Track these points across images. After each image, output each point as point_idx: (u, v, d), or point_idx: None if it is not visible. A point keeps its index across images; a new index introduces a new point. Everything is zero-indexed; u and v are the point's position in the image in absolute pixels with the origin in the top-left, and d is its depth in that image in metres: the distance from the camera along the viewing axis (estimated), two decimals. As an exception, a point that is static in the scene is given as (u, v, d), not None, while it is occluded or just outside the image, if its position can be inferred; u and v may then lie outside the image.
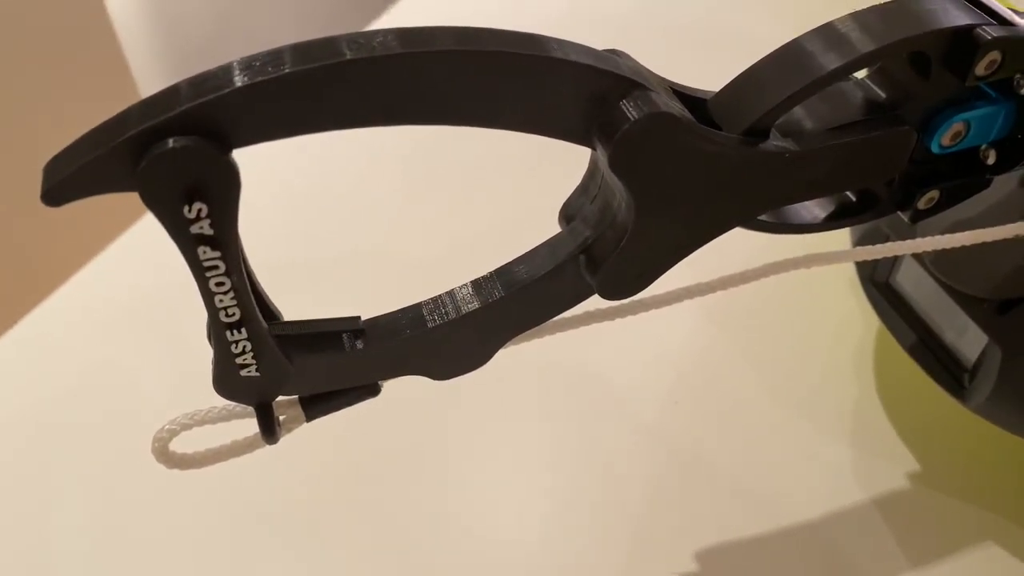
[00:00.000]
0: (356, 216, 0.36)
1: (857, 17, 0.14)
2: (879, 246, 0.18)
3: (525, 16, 0.50)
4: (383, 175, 0.38)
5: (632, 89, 0.13)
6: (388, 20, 0.50)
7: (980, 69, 0.14)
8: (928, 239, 0.18)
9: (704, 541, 0.25)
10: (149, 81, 0.43)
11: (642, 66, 0.14)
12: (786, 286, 0.28)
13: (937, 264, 0.21)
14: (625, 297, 0.16)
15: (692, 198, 0.14)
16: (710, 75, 0.17)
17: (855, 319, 0.30)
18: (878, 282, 0.23)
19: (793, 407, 0.27)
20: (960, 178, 0.16)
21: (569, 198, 0.16)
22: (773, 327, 0.30)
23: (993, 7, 0.15)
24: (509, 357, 0.17)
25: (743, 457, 0.27)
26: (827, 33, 0.14)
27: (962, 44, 0.14)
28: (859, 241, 0.23)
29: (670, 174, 0.14)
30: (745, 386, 0.29)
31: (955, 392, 0.21)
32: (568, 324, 0.17)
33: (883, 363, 0.28)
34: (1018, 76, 0.15)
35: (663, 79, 0.15)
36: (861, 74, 0.16)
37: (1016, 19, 0.15)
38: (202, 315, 0.13)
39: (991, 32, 0.14)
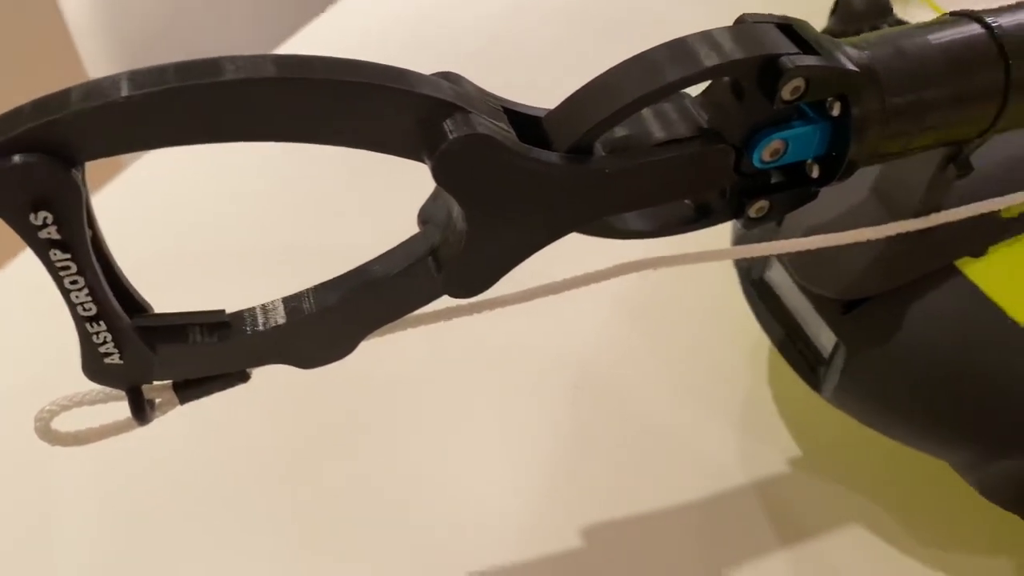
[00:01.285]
0: (293, 208, 0.38)
1: (674, 45, 0.16)
2: (717, 250, 0.19)
3: (474, 7, 0.51)
4: (321, 168, 0.39)
5: (453, 112, 0.14)
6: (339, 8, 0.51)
7: (786, 94, 0.16)
8: (768, 244, 0.20)
9: (590, 519, 0.26)
10: (97, 64, 0.44)
11: (472, 88, 0.15)
12: (695, 281, 0.30)
13: (794, 264, 0.22)
14: (470, 296, 0.17)
15: (521, 209, 0.16)
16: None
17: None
18: (754, 279, 0.25)
19: (688, 394, 0.29)
20: (787, 190, 0.18)
21: (426, 202, 0.17)
22: (679, 319, 0.32)
23: (807, 37, 0.16)
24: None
25: (636, 439, 0.28)
26: (646, 58, 0.16)
27: (769, 71, 0.16)
28: (736, 240, 0.25)
29: (494, 188, 0.15)
30: (645, 374, 0.30)
31: (812, 384, 0.23)
32: (428, 319, 0.18)
33: (776, 355, 0.30)
34: (830, 100, 0.17)
35: (497, 99, 0.16)
36: (695, 90, 0.17)
37: (833, 49, 0.16)
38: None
39: (794, 61, 0.16)
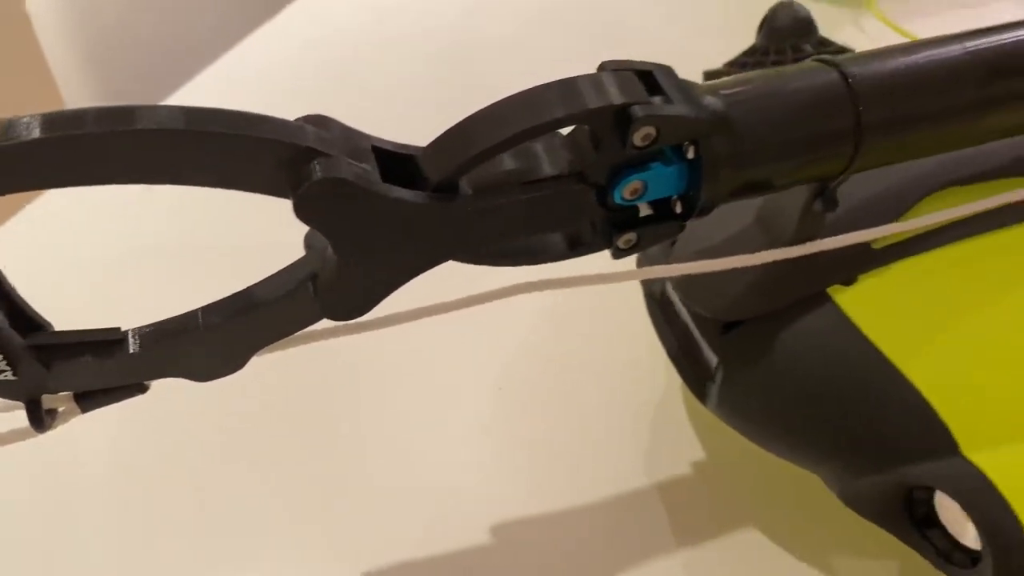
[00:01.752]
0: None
1: (530, 94, 0.17)
2: (603, 274, 0.21)
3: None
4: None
5: (313, 156, 0.15)
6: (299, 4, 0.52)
7: (637, 140, 0.17)
8: (649, 268, 0.21)
9: (498, 517, 0.28)
10: (63, 63, 0.45)
11: (340, 130, 0.17)
12: (616, 290, 0.31)
13: (680, 285, 0.23)
14: (349, 319, 0.18)
15: (386, 243, 0.17)
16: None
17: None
18: (655, 295, 0.26)
19: (604, 398, 0.30)
20: (654, 224, 0.19)
21: (310, 229, 0.19)
22: (600, 327, 0.33)
23: (664, 85, 0.18)
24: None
25: (552, 438, 0.30)
26: (502, 106, 0.17)
27: (620, 119, 0.17)
28: (639, 261, 0.26)
29: (355, 225, 0.16)
30: (566, 380, 0.32)
31: (700, 397, 0.24)
32: (319, 336, 0.20)
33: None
34: (686, 144, 0.18)
35: (369, 138, 0.17)
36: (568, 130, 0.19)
37: (687, 98, 0.17)
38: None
39: (644, 111, 0.17)
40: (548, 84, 0.17)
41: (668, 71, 0.18)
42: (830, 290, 0.21)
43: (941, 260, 0.21)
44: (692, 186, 0.18)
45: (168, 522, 0.28)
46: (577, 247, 0.19)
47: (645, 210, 0.19)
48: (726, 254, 0.21)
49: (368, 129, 0.18)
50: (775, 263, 0.21)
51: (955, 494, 0.20)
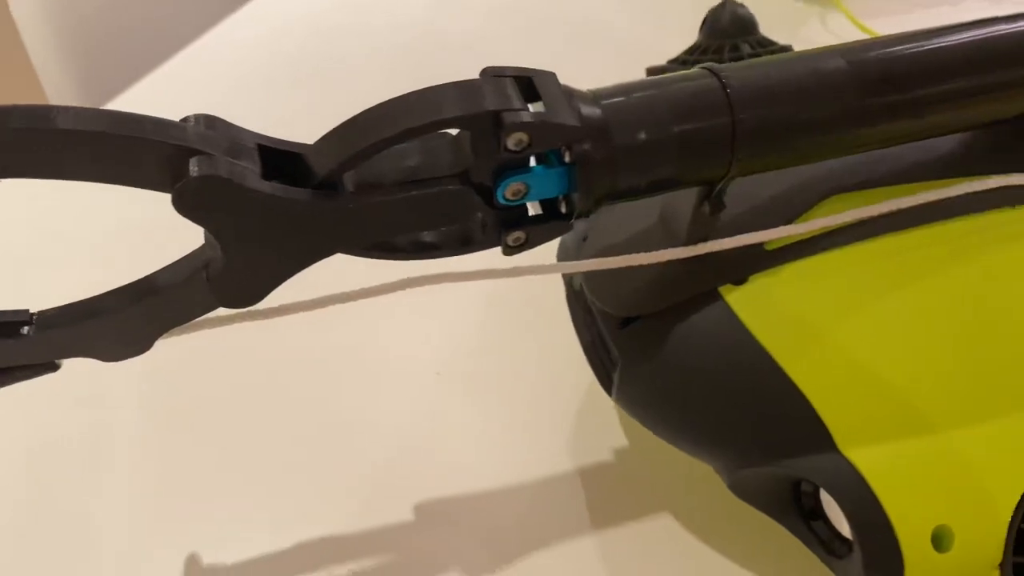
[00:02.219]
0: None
1: (411, 97, 0.18)
2: (505, 268, 0.21)
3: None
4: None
5: (192, 155, 0.16)
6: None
7: (510, 144, 0.18)
8: (552, 264, 0.22)
9: (428, 496, 0.29)
10: (42, 53, 0.46)
11: (225, 129, 0.18)
12: (553, 281, 0.32)
13: (586, 280, 0.24)
14: (242, 307, 0.19)
15: (270, 236, 0.18)
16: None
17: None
18: (573, 286, 0.27)
19: (537, 382, 0.31)
20: (542, 223, 0.20)
21: None
22: (535, 316, 0.34)
23: (541, 92, 0.18)
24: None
25: (483, 422, 0.31)
26: (384, 107, 0.18)
27: (493, 125, 0.18)
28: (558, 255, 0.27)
29: (235, 220, 0.17)
30: (501, 366, 0.33)
31: (606, 388, 0.25)
32: (223, 321, 0.21)
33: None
34: (563, 148, 0.19)
35: (258, 137, 0.18)
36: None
37: (562, 104, 0.18)
38: None
39: (515, 117, 0.17)
40: (427, 89, 0.18)
41: (549, 78, 0.19)
42: (721, 289, 0.22)
43: (827, 263, 0.22)
44: (574, 188, 0.19)
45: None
46: (469, 244, 0.20)
47: (535, 209, 0.20)
48: (627, 252, 0.22)
49: (333, 116, 0.19)
50: (670, 262, 0.22)
51: (829, 488, 0.21)
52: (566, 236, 0.26)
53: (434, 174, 0.19)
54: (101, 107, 0.17)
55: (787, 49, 0.33)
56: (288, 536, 0.28)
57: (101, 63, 0.51)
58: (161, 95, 0.50)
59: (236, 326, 0.21)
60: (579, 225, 0.26)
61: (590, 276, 0.24)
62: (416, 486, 0.29)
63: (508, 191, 0.19)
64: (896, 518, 0.20)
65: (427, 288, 0.22)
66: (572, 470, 0.29)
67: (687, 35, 0.43)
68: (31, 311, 0.19)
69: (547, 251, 0.23)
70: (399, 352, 0.33)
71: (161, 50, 0.48)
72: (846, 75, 0.20)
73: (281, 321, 0.22)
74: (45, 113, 0.16)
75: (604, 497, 0.29)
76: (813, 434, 0.21)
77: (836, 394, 0.21)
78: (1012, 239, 0.22)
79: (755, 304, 0.22)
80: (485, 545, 0.28)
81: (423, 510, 0.29)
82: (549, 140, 0.18)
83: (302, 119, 0.41)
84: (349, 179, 0.18)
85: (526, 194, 0.19)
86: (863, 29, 0.48)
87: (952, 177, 0.23)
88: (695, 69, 0.20)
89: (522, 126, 0.17)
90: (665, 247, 0.22)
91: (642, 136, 0.19)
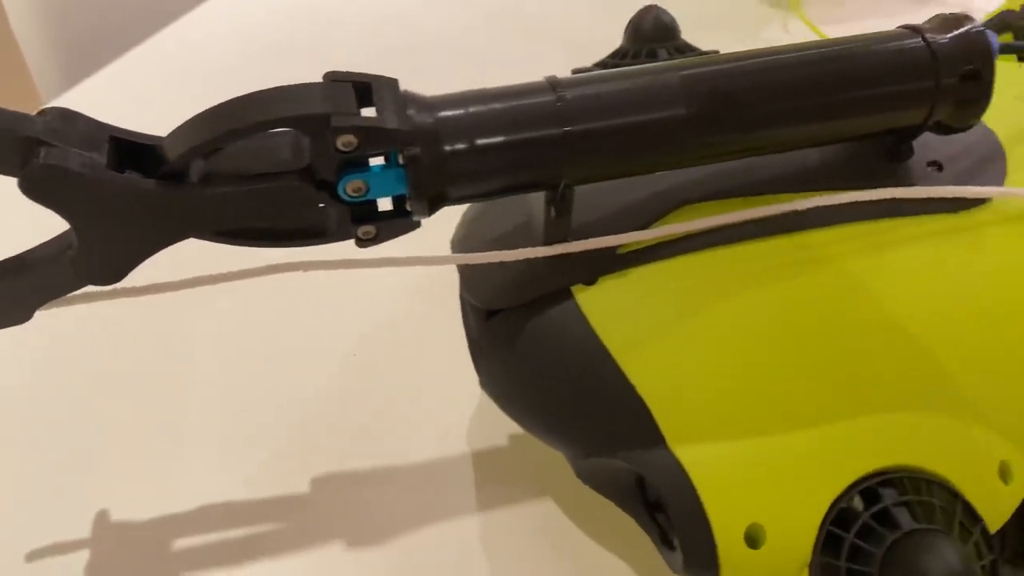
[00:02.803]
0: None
1: (255, 96, 0.19)
2: (367, 259, 0.23)
3: None
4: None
5: (40, 146, 0.18)
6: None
7: (340, 145, 0.19)
8: (411, 257, 0.23)
9: (323, 471, 0.31)
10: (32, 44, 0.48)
11: (80, 123, 0.19)
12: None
13: (459, 274, 0.26)
14: (103, 284, 0.21)
15: (120, 221, 0.19)
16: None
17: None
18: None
19: (441, 366, 0.33)
20: (390, 219, 0.21)
21: None
22: (448, 303, 0.35)
23: (376, 97, 0.20)
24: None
25: (390, 401, 0.32)
26: (229, 104, 0.19)
27: (324, 126, 0.19)
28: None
29: (81, 205, 0.19)
30: (412, 348, 0.34)
31: (479, 376, 0.26)
32: (95, 297, 0.22)
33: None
34: (399, 151, 0.20)
35: (110, 130, 0.20)
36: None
37: (393, 110, 0.19)
38: None
39: (343, 120, 0.19)
40: (274, 88, 0.19)
41: (389, 84, 0.20)
42: (574, 288, 0.23)
43: (674, 268, 0.23)
44: (418, 186, 0.20)
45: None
46: (323, 235, 0.22)
47: (387, 205, 0.21)
48: (496, 248, 0.23)
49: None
50: (532, 260, 0.23)
51: (654, 481, 0.22)
52: (457, 230, 0.27)
53: (276, 169, 0.20)
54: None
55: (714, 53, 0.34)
56: (186, 505, 0.30)
57: (82, 38, 0.53)
58: (135, 77, 0.52)
59: (152, 299, 0.23)
60: (466, 217, 0.27)
61: (463, 270, 0.25)
62: (319, 461, 0.31)
63: (348, 188, 0.20)
64: (713, 514, 0.21)
65: (352, 273, 0.23)
66: (467, 450, 0.31)
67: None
68: None
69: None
70: (316, 332, 0.35)
71: (144, 27, 0.50)
72: (676, 91, 0.21)
73: (197, 295, 0.23)
74: None
75: (492, 479, 0.30)
76: (645, 430, 0.22)
77: (669, 393, 0.22)
78: (852, 254, 0.23)
79: (601, 304, 0.23)
80: (375, 520, 0.29)
81: (321, 485, 0.31)
82: (377, 143, 0.19)
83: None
84: (196, 170, 0.20)
85: (367, 191, 0.20)
86: (821, 36, 0.48)
87: (809, 190, 0.24)
88: (540, 80, 0.21)
89: (348, 129, 0.19)
90: (527, 246, 0.23)
91: (472, 144, 0.20)
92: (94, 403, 0.33)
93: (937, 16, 0.23)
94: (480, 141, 0.20)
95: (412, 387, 0.33)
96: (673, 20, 0.34)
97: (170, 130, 0.20)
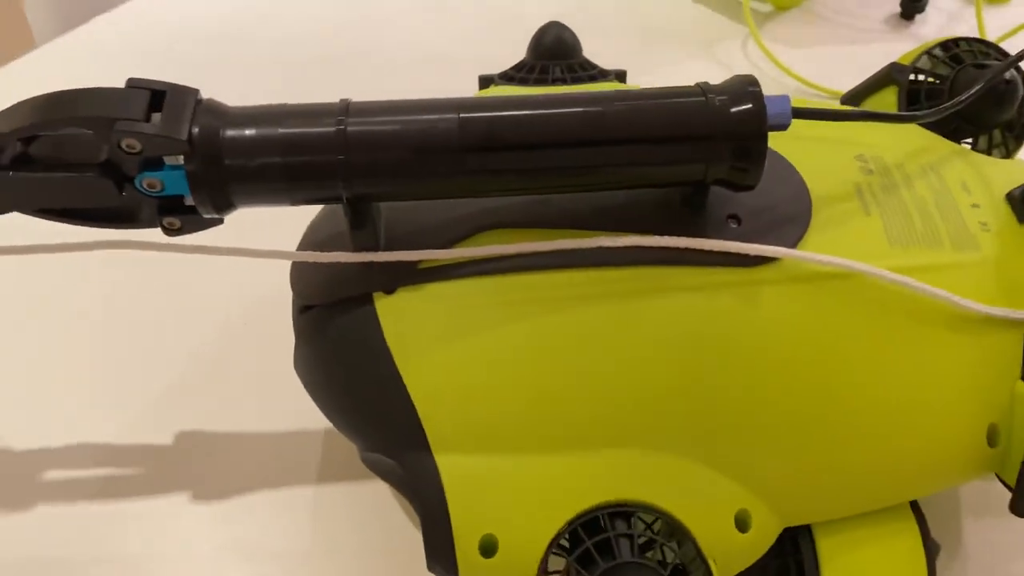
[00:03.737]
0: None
1: (65, 93, 0.21)
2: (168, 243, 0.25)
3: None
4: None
5: None
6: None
7: (124, 147, 0.21)
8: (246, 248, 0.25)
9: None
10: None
11: None
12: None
13: (291, 268, 0.27)
14: None
15: None
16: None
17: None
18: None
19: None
20: (193, 214, 0.23)
21: None
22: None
23: (166, 106, 0.21)
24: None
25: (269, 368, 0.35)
26: (52, 97, 0.21)
27: (109, 129, 0.21)
28: None
29: None
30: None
31: None
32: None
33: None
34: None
35: None
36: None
37: (176, 121, 0.21)
38: None
39: (125, 126, 0.21)
40: (80, 89, 0.21)
41: (187, 94, 0.22)
42: (376, 294, 0.25)
43: (466, 288, 0.24)
44: (202, 186, 0.22)
45: None
46: (134, 220, 0.24)
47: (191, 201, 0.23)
48: (321, 248, 0.25)
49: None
50: (342, 264, 0.25)
51: (411, 483, 0.24)
52: (308, 227, 0.29)
53: (82, 160, 0.22)
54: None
55: (614, 76, 0.35)
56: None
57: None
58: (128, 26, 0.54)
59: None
60: (315, 216, 0.29)
61: (293, 265, 0.27)
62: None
63: (144, 183, 0.22)
64: (456, 520, 0.23)
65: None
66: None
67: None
68: None
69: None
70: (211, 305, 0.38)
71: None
72: (452, 131, 0.22)
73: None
74: None
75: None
76: (414, 434, 0.24)
77: (439, 403, 0.24)
78: (629, 295, 0.24)
79: (394, 313, 0.25)
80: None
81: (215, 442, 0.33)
82: (157, 149, 0.21)
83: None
84: (9, 153, 0.22)
85: (163, 188, 0.22)
86: (774, 62, 0.48)
87: (609, 230, 0.25)
88: (333, 103, 0.23)
89: (129, 134, 0.21)
90: (343, 250, 0.25)
91: (251, 161, 0.22)
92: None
93: (734, 77, 0.23)
94: (258, 160, 0.22)
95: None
96: (574, 38, 0.34)
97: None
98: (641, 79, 0.36)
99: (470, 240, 0.25)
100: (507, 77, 0.35)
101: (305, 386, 0.27)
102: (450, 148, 0.22)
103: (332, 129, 0.22)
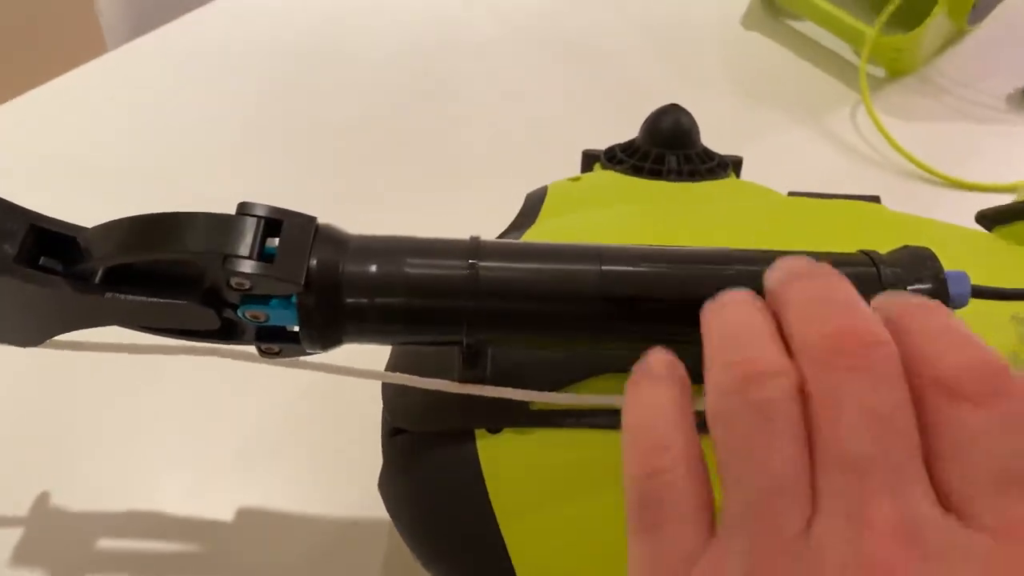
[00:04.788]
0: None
1: (171, 219, 0.19)
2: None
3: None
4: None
5: None
6: None
7: (233, 284, 0.19)
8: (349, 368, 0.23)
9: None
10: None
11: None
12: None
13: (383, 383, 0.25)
14: (23, 346, 0.22)
15: (28, 306, 0.20)
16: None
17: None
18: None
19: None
20: (294, 343, 0.21)
21: None
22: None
23: (282, 238, 0.19)
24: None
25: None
26: (152, 222, 0.19)
27: (219, 264, 0.19)
28: None
29: None
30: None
31: None
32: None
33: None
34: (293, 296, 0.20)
35: (31, 218, 0.20)
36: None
37: (293, 257, 0.19)
38: None
39: (236, 264, 0.19)
40: (186, 215, 0.19)
41: (303, 223, 0.20)
42: (478, 432, 0.23)
43: (576, 439, 0.22)
44: (308, 322, 0.20)
45: None
46: (232, 337, 0.22)
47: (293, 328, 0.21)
48: (415, 371, 0.23)
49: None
50: (440, 392, 0.23)
51: None
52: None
53: (181, 286, 0.20)
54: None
55: (730, 163, 0.32)
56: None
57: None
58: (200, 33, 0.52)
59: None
60: None
61: (385, 385, 0.25)
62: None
63: (248, 314, 0.20)
64: None
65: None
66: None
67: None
68: None
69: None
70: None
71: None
72: (592, 283, 0.20)
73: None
74: None
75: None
76: None
77: (538, 564, 0.22)
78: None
79: (499, 456, 0.23)
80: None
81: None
82: (268, 289, 0.19)
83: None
84: (101, 272, 0.20)
85: (267, 320, 0.20)
86: (883, 133, 0.45)
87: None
88: (463, 242, 0.21)
89: (240, 275, 0.19)
90: (445, 376, 0.23)
91: (371, 301, 0.20)
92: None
93: (906, 248, 0.21)
94: (381, 300, 0.20)
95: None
96: (692, 124, 0.32)
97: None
98: (743, 147, 0.34)
99: (583, 385, 0.23)
100: (614, 158, 0.33)
101: (390, 514, 0.25)
102: (588, 301, 0.20)
103: (462, 273, 0.20)
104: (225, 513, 0.32)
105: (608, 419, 0.22)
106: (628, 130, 0.35)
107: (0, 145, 0.44)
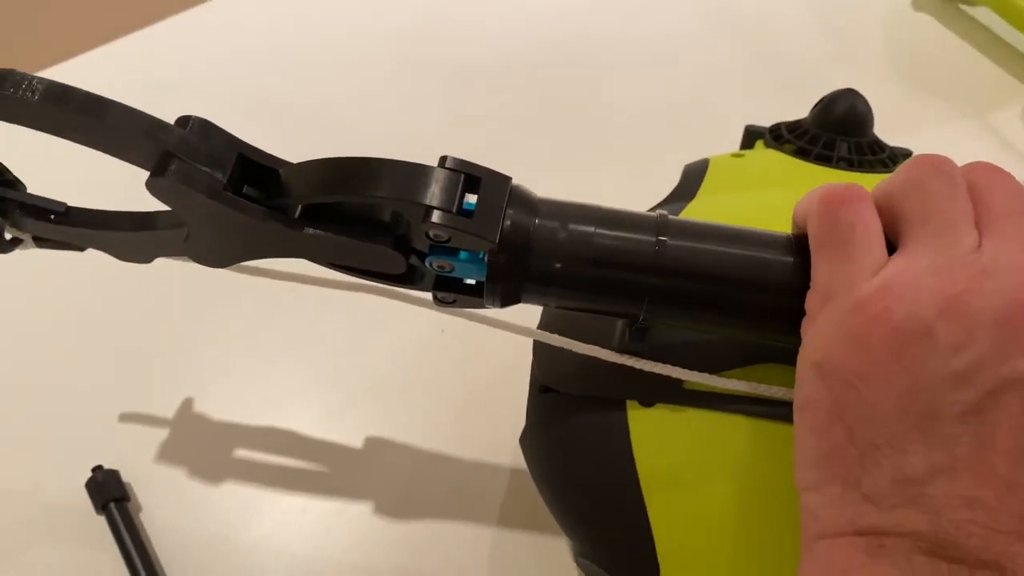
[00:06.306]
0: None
1: (383, 165, 0.20)
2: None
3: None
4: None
5: (171, 159, 0.20)
6: None
7: (431, 234, 0.19)
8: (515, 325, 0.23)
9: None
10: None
11: (213, 136, 0.20)
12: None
13: (534, 340, 0.26)
14: (209, 266, 0.23)
15: (225, 231, 0.21)
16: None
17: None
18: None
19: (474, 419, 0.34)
20: (469, 295, 0.22)
21: None
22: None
23: (480, 196, 0.20)
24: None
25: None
26: (357, 166, 0.20)
27: (425, 214, 0.19)
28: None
29: (197, 212, 0.20)
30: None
31: None
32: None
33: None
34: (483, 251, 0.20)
35: (240, 147, 0.21)
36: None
37: (489, 213, 0.19)
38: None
39: (438, 217, 0.19)
40: (392, 163, 0.20)
41: (500, 182, 0.20)
42: (630, 403, 0.23)
43: (729, 424, 0.22)
44: (495, 277, 0.21)
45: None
46: (411, 282, 0.23)
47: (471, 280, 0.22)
48: (572, 333, 0.23)
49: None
50: (598, 359, 0.23)
51: None
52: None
53: (377, 229, 0.21)
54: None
55: (903, 155, 0.31)
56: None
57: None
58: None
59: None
60: None
61: (536, 343, 0.26)
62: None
63: (436, 263, 0.21)
64: None
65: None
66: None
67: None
68: (66, 205, 0.24)
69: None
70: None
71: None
72: (788, 268, 0.20)
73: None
74: (98, 108, 0.19)
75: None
76: (645, 564, 0.22)
77: (677, 540, 0.22)
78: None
79: (649, 430, 0.23)
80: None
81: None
82: (465, 244, 0.20)
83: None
84: (299, 209, 0.21)
85: (452, 270, 0.21)
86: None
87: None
88: (654, 215, 0.21)
89: (441, 227, 0.19)
90: (603, 344, 0.23)
91: (558, 265, 0.20)
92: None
93: None
94: (566, 267, 0.20)
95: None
96: (868, 111, 0.31)
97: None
98: (901, 136, 0.32)
99: (740, 371, 0.23)
100: (780, 138, 0.32)
101: (530, 468, 0.26)
102: (785, 294, 0.20)
103: (651, 248, 0.20)
104: (355, 440, 0.33)
105: (759, 408, 0.22)
106: (784, 108, 0.33)
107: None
